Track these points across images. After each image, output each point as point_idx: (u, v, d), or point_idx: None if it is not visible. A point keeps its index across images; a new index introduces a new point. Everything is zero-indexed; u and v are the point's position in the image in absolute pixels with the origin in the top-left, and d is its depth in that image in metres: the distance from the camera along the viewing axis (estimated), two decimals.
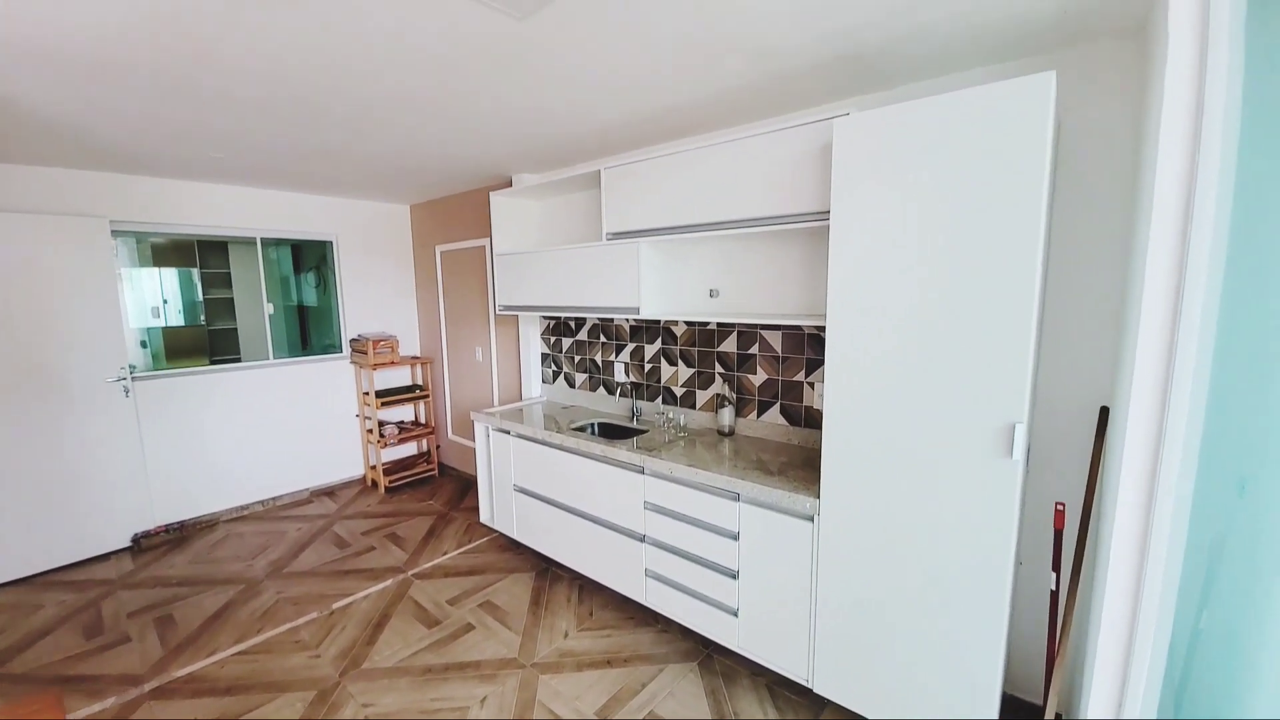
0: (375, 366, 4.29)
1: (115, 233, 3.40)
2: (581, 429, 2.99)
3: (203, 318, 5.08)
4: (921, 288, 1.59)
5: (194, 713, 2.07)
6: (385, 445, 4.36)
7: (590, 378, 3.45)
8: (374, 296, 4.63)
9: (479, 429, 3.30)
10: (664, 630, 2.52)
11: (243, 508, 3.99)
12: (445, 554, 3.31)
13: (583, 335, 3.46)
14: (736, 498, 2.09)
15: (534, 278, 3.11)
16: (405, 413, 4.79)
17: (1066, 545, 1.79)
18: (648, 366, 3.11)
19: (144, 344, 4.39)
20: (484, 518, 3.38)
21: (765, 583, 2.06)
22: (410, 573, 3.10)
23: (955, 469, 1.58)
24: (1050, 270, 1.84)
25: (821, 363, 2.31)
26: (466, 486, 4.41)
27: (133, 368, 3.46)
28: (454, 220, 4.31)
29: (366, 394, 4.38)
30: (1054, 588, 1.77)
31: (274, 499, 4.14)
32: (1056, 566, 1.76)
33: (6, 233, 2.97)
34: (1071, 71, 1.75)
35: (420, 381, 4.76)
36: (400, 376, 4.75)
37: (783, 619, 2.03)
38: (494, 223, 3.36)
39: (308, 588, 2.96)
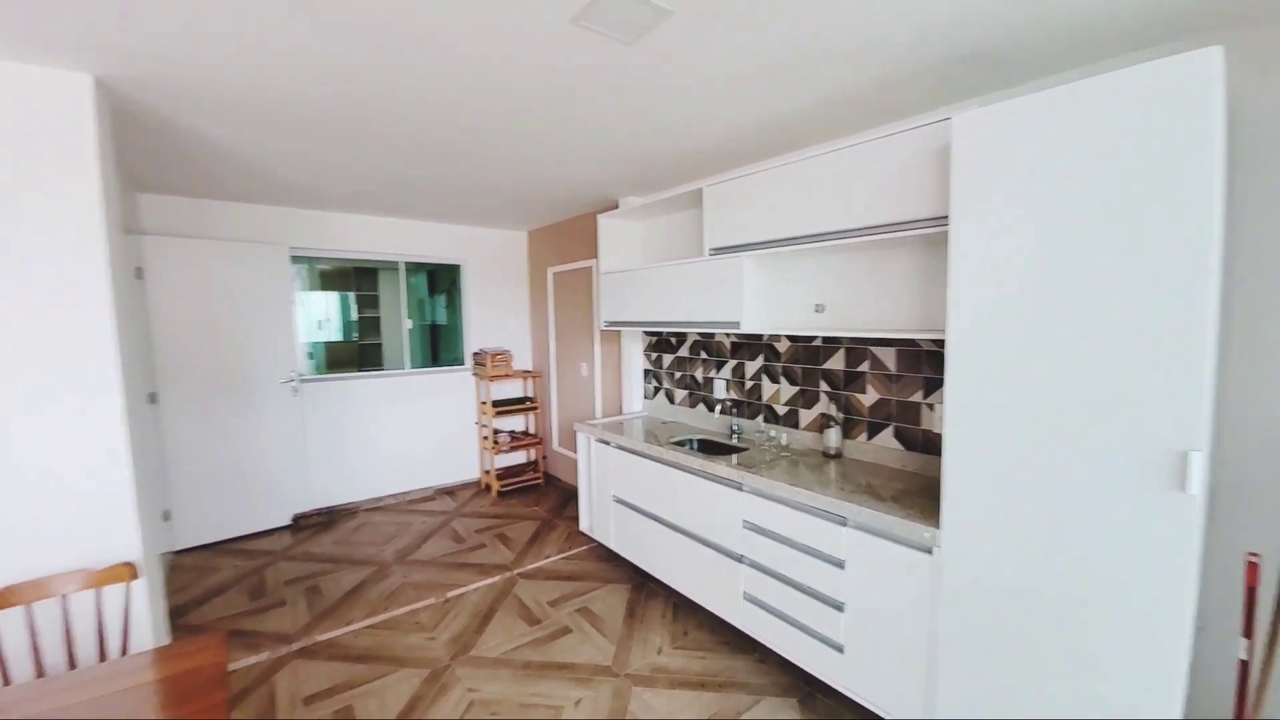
0: (493, 378, 4.65)
1: (293, 258, 4.06)
2: (680, 444, 3.00)
3: (355, 334, 5.89)
4: (1061, 295, 1.42)
5: (331, 674, 2.34)
6: (499, 451, 4.68)
7: (690, 394, 3.46)
8: (493, 314, 5.04)
9: (581, 440, 3.43)
10: (761, 660, 2.41)
11: (378, 499, 4.47)
12: (547, 558, 3.45)
13: (683, 351, 3.50)
14: (843, 522, 1.97)
15: (637, 294, 3.22)
16: (516, 423, 5.11)
17: (1262, 606, 1.47)
18: (749, 384, 3.06)
19: (310, 355, 5.16)
20: (584, 526, 3.49)
21: (875, 618, 1.91)
22: (516, 572, 3.27)
23: (1110, 506, 1.37)
24: (1238, 274, 1.56)
25: (941, 382, 2.13)
26: (568, 496, 4.58)
27: (300, 373, 4.06)
28: (565, 243, 4.59)
29: (484, 403, 4.75)
30: (1244, 657, 1.45)
31: (404, 494, 4.60)
32: (1249, 632, 1.44)
33: (214, 256, 3.66)
34: (1243, 50, 1.50)
35: (530, 394, 5.07)
36: (513, 389, 5.10)
37: (895, 662, 1.86)
38: (600, 244, 3.53)
39: (428, 575, 3.24)
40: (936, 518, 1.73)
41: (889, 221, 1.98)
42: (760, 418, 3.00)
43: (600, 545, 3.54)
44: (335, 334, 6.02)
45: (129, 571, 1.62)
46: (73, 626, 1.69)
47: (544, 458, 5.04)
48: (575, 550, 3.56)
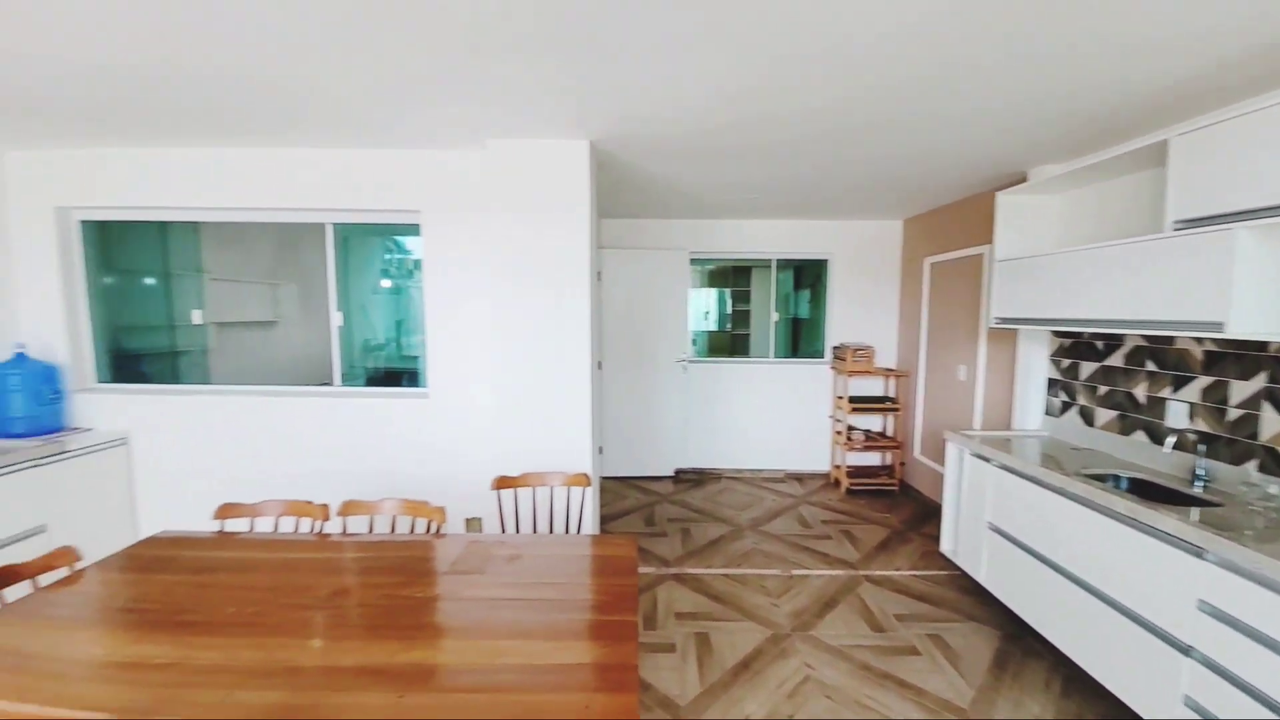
0: (851, 374, 4.57)
1: (691, 261, 4.92)
2: (1100, 478, 2.33)
3: (729, 325, 6.74)
4: None
5: (695, 602, 2.83)
6: (851, 449, 4.59)
7: (1122, 417, 2.64)
8: (856, 309, 4.93)
9: (951, 451, 3.05)
10: None
11: (737, 470, 5.05)
12: (897, 569, 3.24)
13: (1115, 360, 2.68)
14: None
15: (1046, 285, 2.62)
16: (873, 422, 4.89)
17: None
18: (1233, 413, 2.13)
19: (694, 341, 6.18)
20: (945, 548, 3.11)
21: None
22: (861, 573, 3.20)
23: None
24: None
25: None
26: (926, 511, 4.13)
27: (688, 355, 4.92)
28: (946, 230, 4.09)
29: (840, 398, 4.72)
30: None
31: (757, 470, 5.05)
32: None
33: (638, 261, 4.77)
34: None
35: (892, 394, 4.76)
36: (873, 386, 4.88)
37: None
38: (998, 226, 3.01)
39: (775, 548, 3.50)
40: None
41: None
42: (1251, 464, 2.05)
43: (964, 575, 3.10)
44: (713, 324, 7.03)
45: (585, 480, 2.37)
46: (554, 506, 2.59)
47: (901, 464, 4.67)
48: (931, 572, 3.22)
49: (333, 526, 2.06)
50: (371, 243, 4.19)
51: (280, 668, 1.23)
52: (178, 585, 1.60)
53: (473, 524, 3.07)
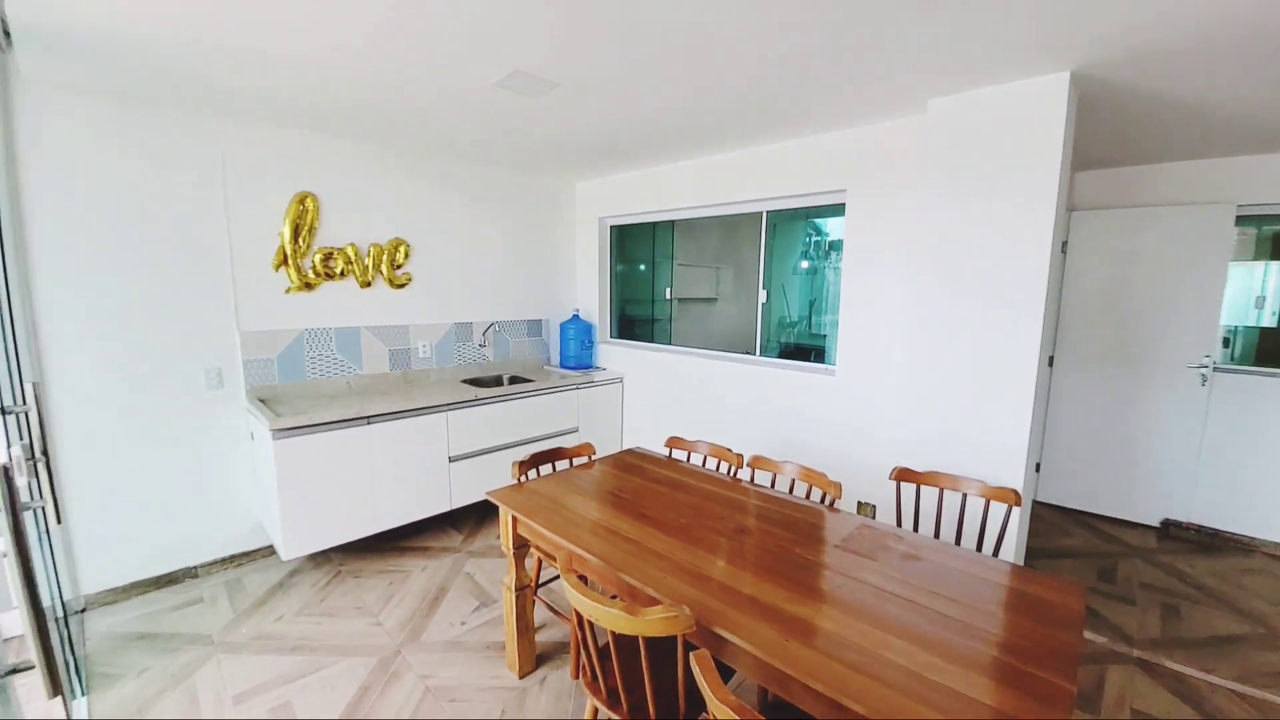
0: None
1: (1239, 220, 3.26)
2: None
3: None
4: None
5: (1165, 707, 2.00)
6: None
7: None
8: None
9: None
10: None
11: None
12: None
13: None
14: None
15: None
16: None
17: None
18: None
19: (1227, 341, 4.08)
20: None
21: None
22: None
23: None
24: None
25: None
26: None
27: (1214, 360, 3.34)
28: None
29: None
30: None
31: None
32: None
33: (1136, 224, 3.46)
34: None
35: None
36: None
37: None
38: None
39: None
40: None
41: None
42: None
43: None
44: (1270, 319, 4.42)
45: (1014, 497, 1.97)
46: (965, 516, 2.26)
47: None
48: None
49: (743, 474, 2.40)
50: (796, 227, 4.50)
51: (699, 573, 1.55)
52: (642, 487, 2.20)
53: (864, 508, 3.01)
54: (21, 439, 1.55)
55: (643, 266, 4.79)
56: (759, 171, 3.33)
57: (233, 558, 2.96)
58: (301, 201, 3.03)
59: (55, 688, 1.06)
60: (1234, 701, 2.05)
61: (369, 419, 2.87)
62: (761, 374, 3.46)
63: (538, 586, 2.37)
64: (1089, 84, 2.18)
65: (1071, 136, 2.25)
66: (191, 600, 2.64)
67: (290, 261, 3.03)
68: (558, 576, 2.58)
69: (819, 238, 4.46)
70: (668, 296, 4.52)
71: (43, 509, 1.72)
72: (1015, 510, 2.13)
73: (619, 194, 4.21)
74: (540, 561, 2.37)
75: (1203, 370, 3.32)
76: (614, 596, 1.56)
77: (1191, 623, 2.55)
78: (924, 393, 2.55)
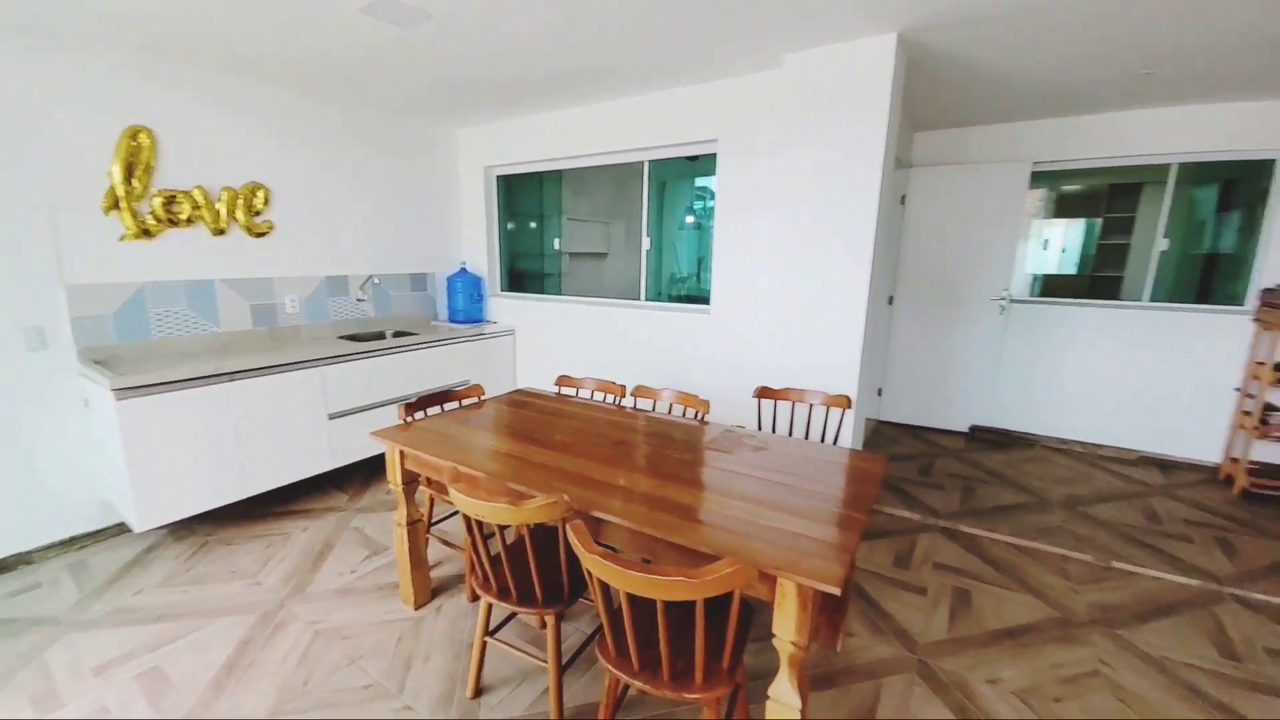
0: None
1: (1034, 175, 3.94)
2: None
3: (1090, 268, 5.10)
4: None
5: (960, 558, 2.58)
6: (1264, 437, 3.20)
7: None
8: None
9: None
10: None
11: (1063, 441, 4.10)
12: None
13: None
14: None
15: None
16: None
17: None
18: None
19: (1034, 284, 4.97)
20: None
21: None
22: (1229, 590, 2.35)
23: None
24: None
25: None
26: None
27: (1010, 294, 4.08)
28: None
29: (1261, 363, 3.27)
30: None
31: (1095, 445, 4.00)
32: None
33: (954, 180, 4.08)
34: None
35: None
36: None
37: None
38: None
39: (1093, 532, 2.83)
40: None
41: None
42: None
43: None
44: (1071, 266, 5.43)
45: (846, 402, 2.37)
46: (811, 422, 2.66)
47: None
48: None
49: (626, 403, 2.62)
50: (682, 186, 4.72)
51: (580, 475, 1.73)
52: (531, 417, 2.34)
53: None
54: None
55: (533, 224, 4.77)
56: (639, 120, 3.46)
57: (75, 539, 2.66)
58: (134, 136, 2.68)
59: None
60: (1009, 551, 2.67)
61: (230, 375, 2.69)
62: (646, 316, 3.69)
63: (430, 525, 2.44)
64: (915, 49, 2.54)
65: (900, 94, 2.61)
66: (28, 586, 2.36)
67: (124, 205, 2.69)
68: (451, 514, 2.67)
69: (709, 201, 4.73)
70: (556, 248, 4.57)
71: None
72: (848, 413, 2.56)
73: (503, 142, 4.14)
74: (433, 500, 2.44)
75: (1001, 302, 4.06)
76: None
77: (982, 498, 3.22)
78: (782, 325, 2.90)
